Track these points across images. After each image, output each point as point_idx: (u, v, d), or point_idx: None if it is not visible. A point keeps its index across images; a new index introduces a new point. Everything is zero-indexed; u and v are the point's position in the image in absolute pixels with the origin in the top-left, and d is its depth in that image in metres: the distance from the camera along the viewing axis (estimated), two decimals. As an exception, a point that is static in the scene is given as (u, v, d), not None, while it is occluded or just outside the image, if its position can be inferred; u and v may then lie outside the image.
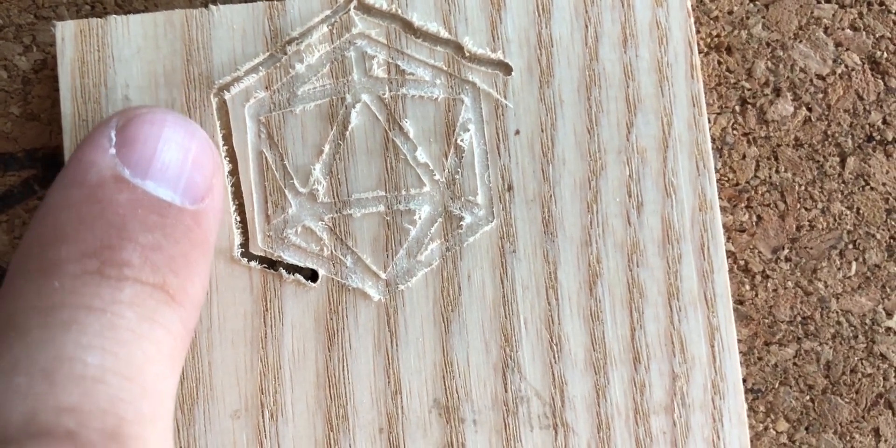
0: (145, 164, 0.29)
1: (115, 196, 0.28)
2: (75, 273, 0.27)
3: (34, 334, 0.26)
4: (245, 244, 0.33)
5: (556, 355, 0.33)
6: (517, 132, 0.33)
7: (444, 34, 0.34)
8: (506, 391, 0.33)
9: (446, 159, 0.33)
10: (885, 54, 0.36)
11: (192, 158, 0.30)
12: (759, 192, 0.36)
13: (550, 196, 0.33)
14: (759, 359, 0.35)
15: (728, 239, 0.35)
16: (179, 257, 0.28)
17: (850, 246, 0.36)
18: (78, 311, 0.26)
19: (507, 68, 0.34)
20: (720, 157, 0.36)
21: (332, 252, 0.33)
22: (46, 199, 0.29)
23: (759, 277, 0.36)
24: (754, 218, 0.36)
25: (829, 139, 0.36)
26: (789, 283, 0.36)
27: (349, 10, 0.34)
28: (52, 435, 0.24)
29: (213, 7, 0.34)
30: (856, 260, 0.36)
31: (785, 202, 0.36)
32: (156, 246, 0.28)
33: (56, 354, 0.26)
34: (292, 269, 0.33)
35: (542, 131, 0.33)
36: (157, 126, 0.30)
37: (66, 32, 0.34)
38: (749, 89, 0.36)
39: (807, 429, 0.35)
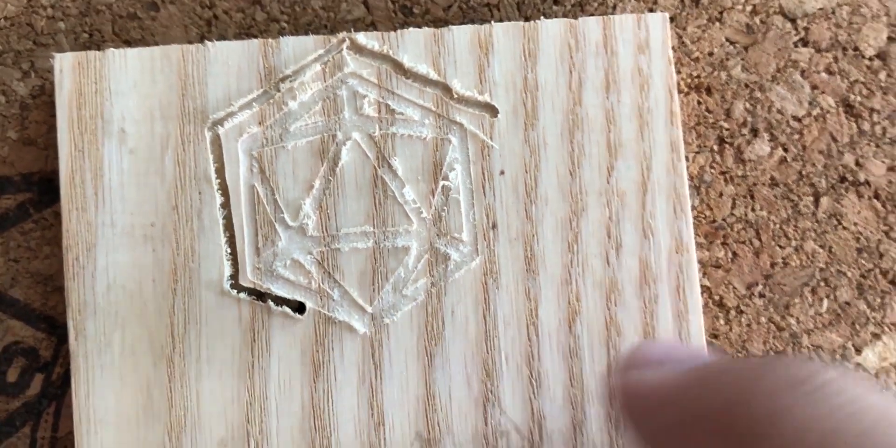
0: None
1: None
2: None
3: None
4: (235, 276, 0.34)
5: (536, 390, 0.33)
6: (502, 172, 0.34)
7: (433, 76, 0.34)
8: (486, 425, 0.33)
9: (433, 197, 0.34)
10: (859, 98, 0.37)
11: None
12: (735, 230, 0.37)
13: (533, 235, 0.34)
14: (731, 390, 0.36)
15: (704, 274, 0.36)
16: None
17: (822, 283, 0.37)
18: None
19: (493, 110, 0.34)
20: (698, 194, 0.36)
21: (319, 285, 0.34)
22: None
23: (733, 313, 0.36)
24: (730, 254, 0.36)
25: (804, 179, 0.37)
26: (762, 318, 0.36)
27: (342, 50, 0.34)
28: None
29: (208, 43, 0.34)
30: (827, 297, 0.37)
31: (760, 240, 0.37)
32: None
33: None
34: (280, 301, 0.34)
35: (526, 172, 0.34)
36: None
37: (65, 64, 0.34)
38: (727, 129, 0.37)
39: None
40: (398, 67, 0.35)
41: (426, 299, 0.34)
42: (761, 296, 0.37)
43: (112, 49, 0.34)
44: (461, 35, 0.35)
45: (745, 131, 0.37)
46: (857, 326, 0.37)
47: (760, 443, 0.24)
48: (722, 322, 0.36)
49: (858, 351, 0.36)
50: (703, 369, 0.28)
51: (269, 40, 0.34)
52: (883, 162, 0.37)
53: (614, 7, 0.37)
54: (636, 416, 0.30)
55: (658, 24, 0.35)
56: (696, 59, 0.37)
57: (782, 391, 0.25)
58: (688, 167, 0.35)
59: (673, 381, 0.28)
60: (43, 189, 0.36)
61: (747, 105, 0.37)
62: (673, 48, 0.36)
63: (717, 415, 0.26)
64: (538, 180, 0.34)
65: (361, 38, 0.34)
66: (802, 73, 0.37)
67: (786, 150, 0.37)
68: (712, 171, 0.37)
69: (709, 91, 0.37)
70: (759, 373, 0.26)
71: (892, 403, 0.24)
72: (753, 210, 0.37)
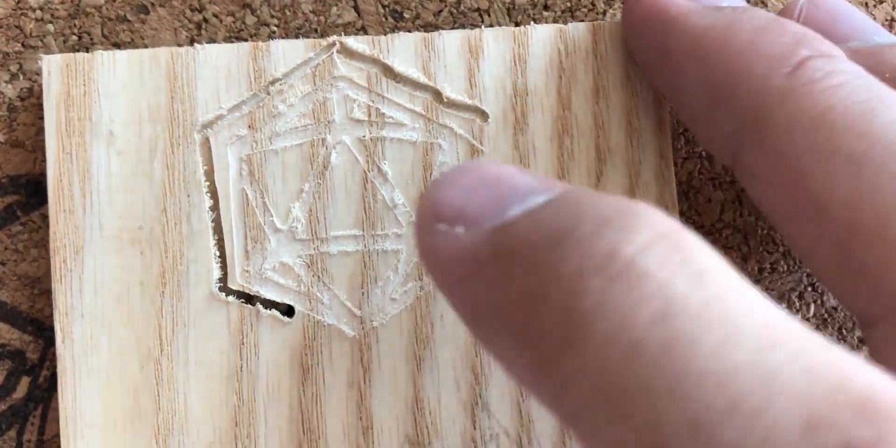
0: None
1: None
2: None
3: None
4: (224, 279, 0.34)
5: (524, 394, 0.33)
6: (492, 177, 0.34)
7: (423, 80, 0.34)
8: (475, 428, 0.33)
9: (422, 201, 0.34)
10: (848, 105, 0.37)
11: None
12: (724, 235, 0.37)
13: (522, 239, 0.34)
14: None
15: (692, 279, 0.36)
16: None
17: (810, 288, 0.37)
18: None
19: (483, 115, 0.35)
20: (686, 200, 0.37)
21: (308, 288, 0.34)
22: None
23: (720, 317, 0.36)
24: (717, 260, 0.37)
25: (792, 185, 0.37)
26: (749, 323, 0.36)
27: (332, 53, 0.34)
28: None
29: (198, 46, 0.34)
30: (814, 302, 0.37)
31: (748, 245, 0.37)
32: None
33: None
34: (269, 304, 0.34)
35: (516, 177, 0.34)
36: None
37: (53, 66, 0.34)
38: (716, 135, 0.37)
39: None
40: (388, 72, 0.35)
41: (415, 304, 0.34)
42: (749, 301, 0.37)
43: (101, 51, 0.34)
44: (451, 40, 0.35)
45: (733, 137, 0.37)
46: (844, 331, 0.37)
47: (567, 351, 0.21)
48: (709, 327, 0.36)
49: (845, 356, 0.37)
50: (502, 238, 0.24)
51: (259, 43, 0.34)
52: (870, 168, 0.37)
53: (604, 13, 0.37)
54: (441, 287, 0.26)
55: (648, 30, 0.35)
56: (685, 65, 0.37)
57: (585, 278, 0.21)
58: (676, 173, 0.35)
59: (472, 251, 0.24)
60: (31, 191, 0.36)
61: (735, 111, 0.37)
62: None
63: (516, 304, 0.23)
64: (528, 185, 0.34)
65: (352, 42, 0.35)
66: (790, 79, 0.37)
67: (773, 156, 0.37)
68: (701, 177, 0.37)
69: (697, 97, 0.37)
70: (560, 253, 0.22)
71: (695, 286, 0.21)
72: (741, 216, 0.37)
